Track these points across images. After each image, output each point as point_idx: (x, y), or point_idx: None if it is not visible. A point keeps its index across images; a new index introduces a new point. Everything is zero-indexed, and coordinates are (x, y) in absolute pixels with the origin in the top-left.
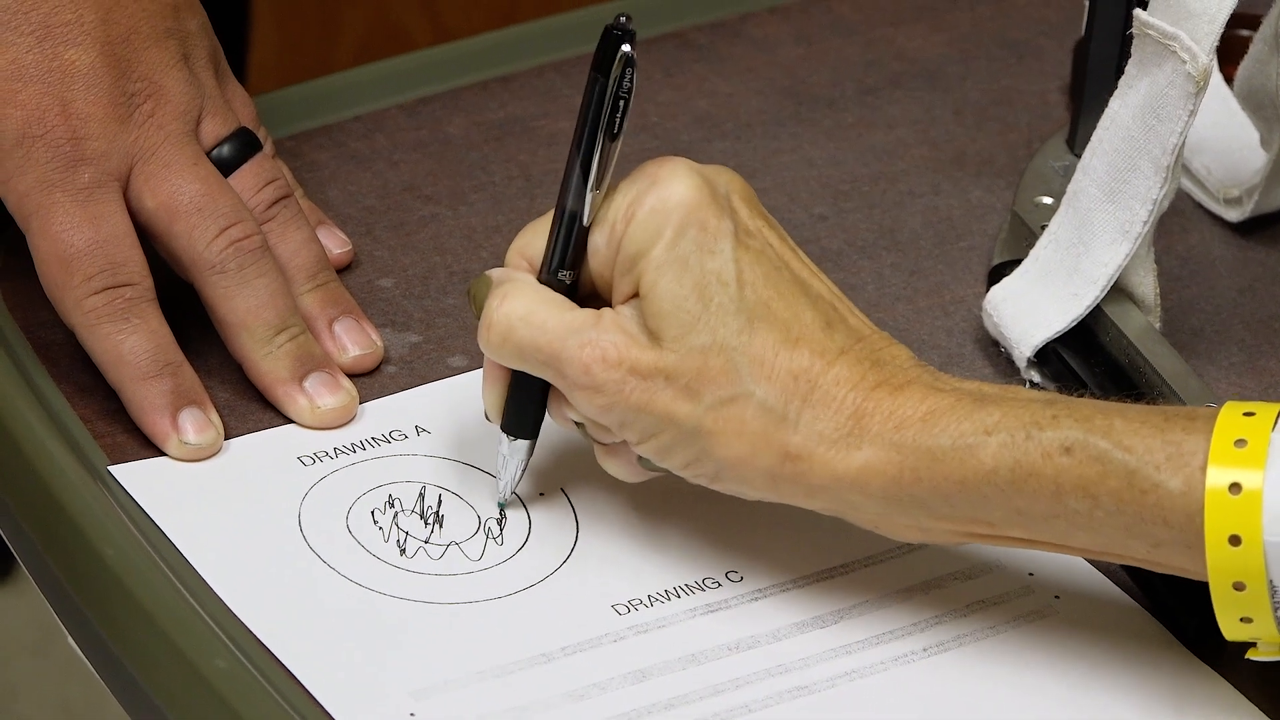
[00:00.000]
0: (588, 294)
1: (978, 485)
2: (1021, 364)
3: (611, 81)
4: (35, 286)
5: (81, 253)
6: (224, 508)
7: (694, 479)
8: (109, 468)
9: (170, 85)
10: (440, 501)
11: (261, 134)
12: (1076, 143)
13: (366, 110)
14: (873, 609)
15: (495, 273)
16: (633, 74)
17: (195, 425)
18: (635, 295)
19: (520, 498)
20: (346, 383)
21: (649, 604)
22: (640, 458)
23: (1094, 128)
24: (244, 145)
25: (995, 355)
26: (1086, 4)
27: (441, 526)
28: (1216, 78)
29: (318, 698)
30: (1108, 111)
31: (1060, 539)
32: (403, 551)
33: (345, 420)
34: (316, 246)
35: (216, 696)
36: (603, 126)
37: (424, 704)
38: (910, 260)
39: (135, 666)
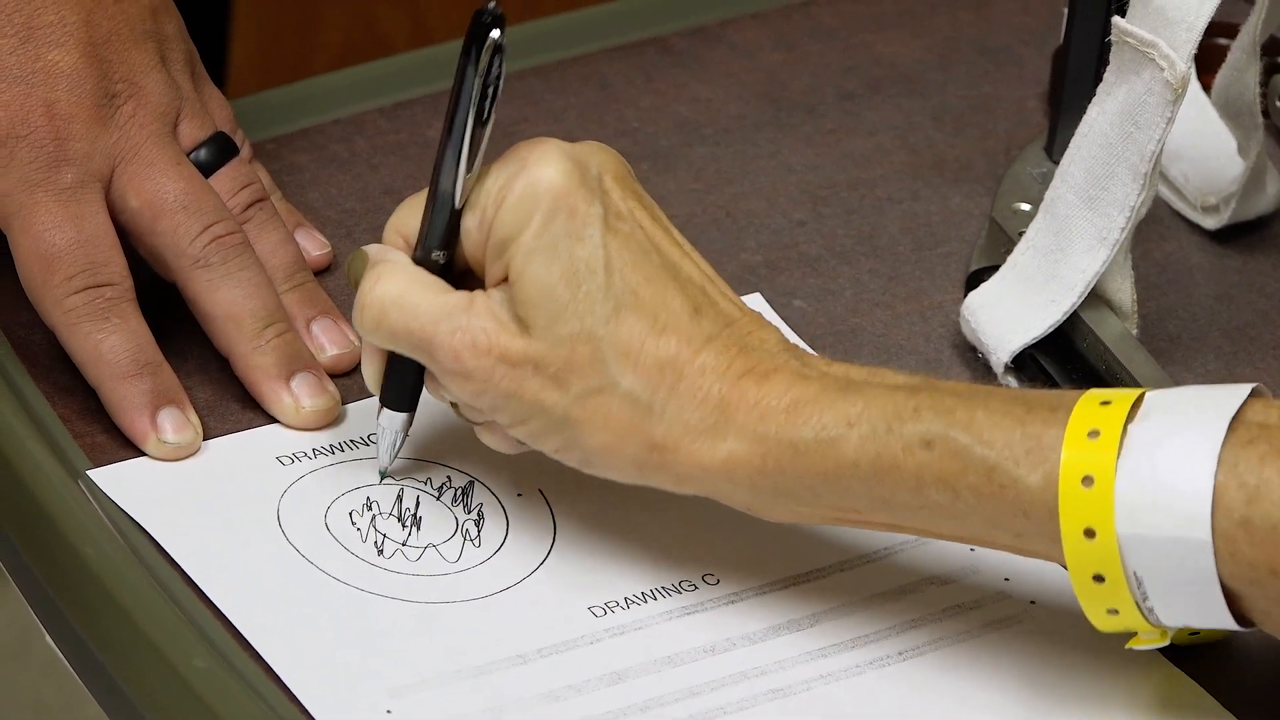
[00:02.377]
0: (462, 270)
1: (840, 477)
2: (999, 369)
3: (480, 68)
4: (15, 287)
5: (63, 252)
6: (203, 507)
7: (566, 463)
8: (88, 471)
9: (150, 86)
10: (418, 503)
11: (239, 138)
12: (1055, 149)
13: (346, 113)
14: (849, 612)
15: (371, 250)
16: (501, 60)
17: (174, 425)
18: (506, 280)
19: (499, 498)
20: (331, 386)
21: (626, 606)
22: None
23: (1072, 135)
24: (221, 149)
25: (973, 361)
26: (1065, 11)
27: (419, 529)
28: (1194, 86)
29: (296, 695)
30: (1086, 118)
31: (925, 526)
32: (380, 553)
33: (327, 422)
34: (293, 247)
35: (195, 696)
36: (472, 113)
37: (401, 702)
38: (888, 266)
39: (114, 666)
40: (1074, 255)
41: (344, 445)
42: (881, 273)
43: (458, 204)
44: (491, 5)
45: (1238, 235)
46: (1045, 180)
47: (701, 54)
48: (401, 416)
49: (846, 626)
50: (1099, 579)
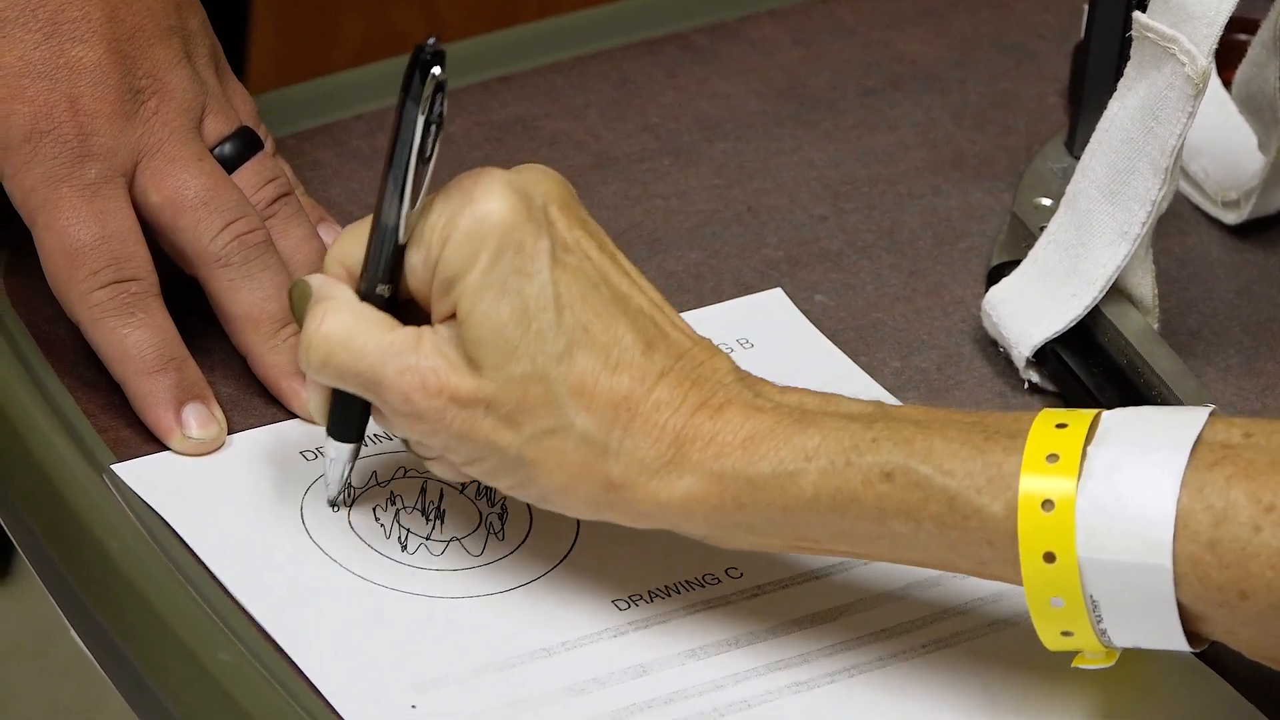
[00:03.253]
0: (405, 301)
1: (799, 511)
2: (1020, 364)
3: (421, 107)
4: (40, 282)
5: (87, 247)
6: (227, 502)
7: (522, 499)
8: (112, 466)
9: (174, 82)
10: (441, 497)
11: (262, 132)
12: (1076, 144)
13: (368, 109)
14: (872, 606)
15: (315, 283)
16: (443, 99)
17: (199, 420)
18: (453, 317)
19: None
20: None
21: (649, 600)
22: None
23: (1093, 130)
24: (246, 144)
25: (994, 355)
26: (1086, 7)
27: (443, 523)
28: (1215, 82)
29: (320, 689)
30: (1107, 113)
31: (886, 555)
32: (404, 548)
33: None
34: (317, 243)
35: (219, 689)
36: (414, 152)
37: (425, 697)
38: (909, 261)
39: (138, 659)
40: (1095, 250)
41: (368, 440)
42: (902, 268)
43: (401, 239)
44: (431, 41)
45: (1258, 230)
46: (1066, 175)
47: (721, 50)
48: (349, 447)
49: (870, 619)
50: (1057, 602)
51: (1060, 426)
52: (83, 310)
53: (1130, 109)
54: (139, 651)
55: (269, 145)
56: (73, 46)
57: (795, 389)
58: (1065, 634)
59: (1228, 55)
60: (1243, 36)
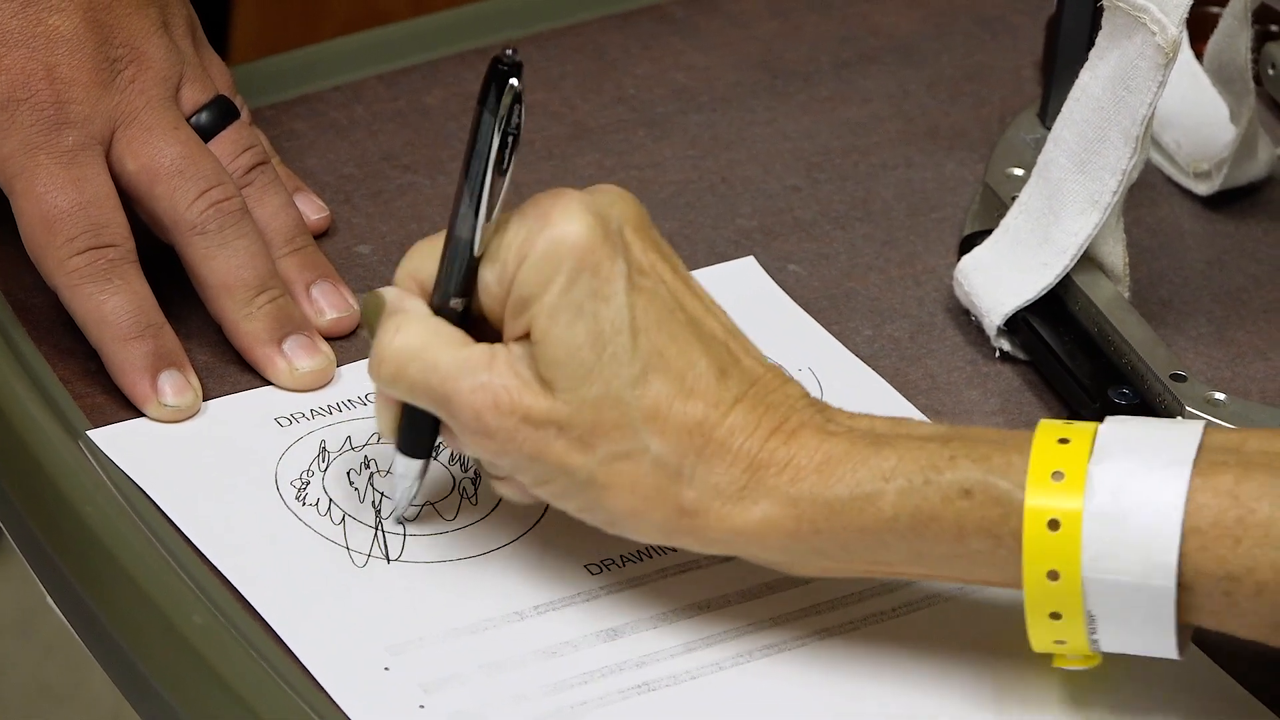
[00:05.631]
0: (477, 318)
1: (878, 533)
2: (991, 332)
3: (500, 118)
4: (17, 250)
5: (65, 214)
6: (202, 468)
7: (589, 522)
8: (88, 432)
9: (151, 51)
10: None
11: (238, 102)
12: (1048, 115)
13: (346, 80)
14: None
15: (388, 296)
16: (521, 110)
17: (174, 387)
18: (526, 336)
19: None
20: (324, 346)
21: (621, 564)
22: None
23: (1065, 99)
24: (222, 112)
25: (966, 324)
26: None
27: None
28: (1187, 54)
29: (294, 652)
30: (1078, 83)
31: (962, 575)
32: (378, 511)
33: (323, 383)
34: (294, 211)
35: (193, 652)
36: (491, 163)
37: (399, 659)
38: (883, 231)
39: (113, 623)
40: (1066, 218)
41: (342, 405)
42: (876, 237)
43: (476, 252)
44: (509, 52)
45: (1229, 201)
46: (1038, 146)
47: (698, 22)
48: (418, 463)
49: (841, 583)
50: (1056, 616)
51: (1063, 442)
52: (60, 276)
53: (1101, 78)
54: (113, 615)
55: (245, 115)
56: (49, 15)
57: (865, 415)
58: (1059, 642)
59: (1200, 27)
60: (1215, 9)
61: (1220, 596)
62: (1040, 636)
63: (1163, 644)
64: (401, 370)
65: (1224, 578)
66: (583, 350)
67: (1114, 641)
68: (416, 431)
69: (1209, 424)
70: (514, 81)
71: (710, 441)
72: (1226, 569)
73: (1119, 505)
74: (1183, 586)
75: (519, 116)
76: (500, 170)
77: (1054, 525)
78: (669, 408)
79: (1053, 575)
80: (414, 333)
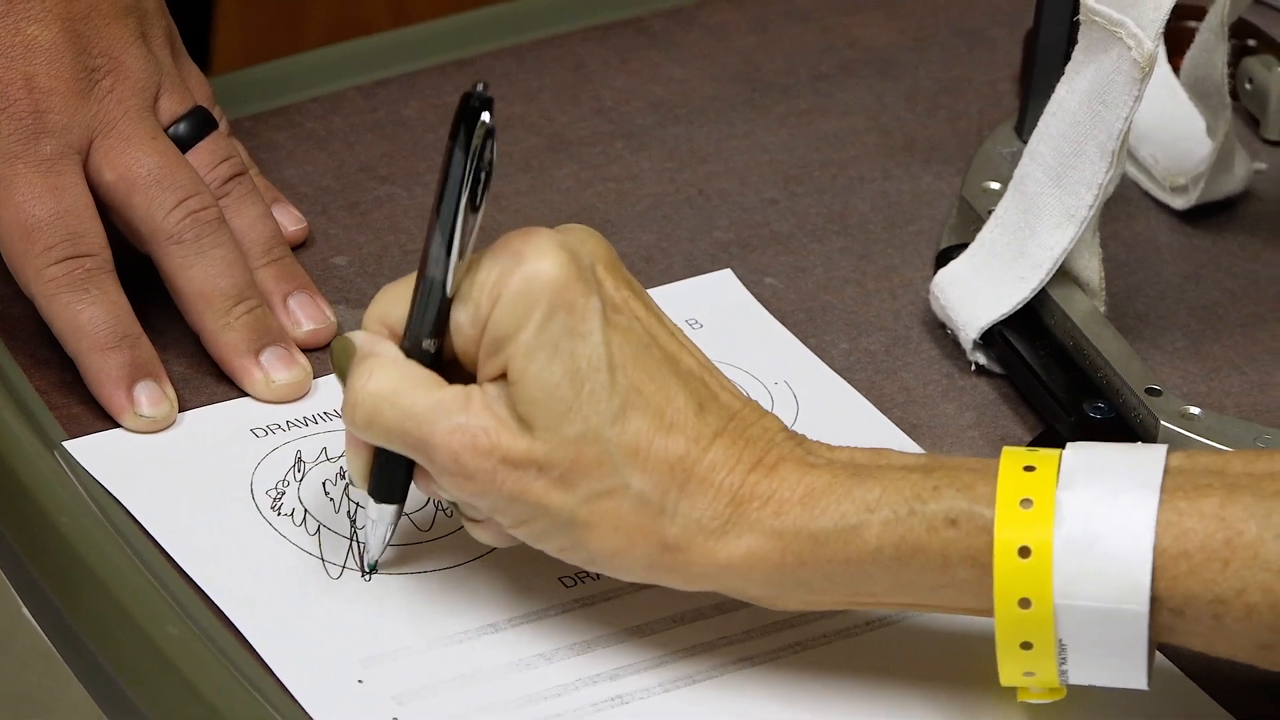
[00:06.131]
0: (450, 360)
1: (862, 564)
2: (967, 346)
3: (471, 154)
4: None
5: (43, 222)
6: (177, 479)
7: (570, 562)
8: (63, 443)
9: (129, 62)
10: None
11: (217, 113)
12: (1025, 129)
13: (324, 92)
14: None
15: (359, 341)
16: (493, 145)
17: (150, 398)
18: (502, 376)
19: None
20: (301, 358)
21: (595, 577)
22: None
23: (1041, 114)
24: (200, 123)
25: (942, 338)
26: None
27: None
28: (1164, 68)
29: (269, 664)
30: (1055, 97)
31: (948, 605)
32: (353, 522)
33: (299, 395)
34: (271, 222)
35: (167, 662)
36: (464, 200)
37: (372, 671)
38: (860, 244)
39: (88, 633)
40: (1042, 232)
41: (317, 417)
42: (852, 250)
43: (449, 292)
44: (479, 88)
45: (1206, 215)
46: (1015, 159)
47: (677, 35)
48: (392, 509)
49: None
50: (1026, 646)
51: (1028, 469)
52: (37, 285)
53: (1078, 93)
54: (89, 626)
55: (223, 126)
56: (28, 25)
57: (844, 447)
58: (1027, 674)
59: (1176, 41)
60: (1191, 23)
61: (1209, 620)
62: (1010, 668)
63: (1132, 673)
64: (376, 415)
65: (1212, 600)
66: (561, 388)
67: (1083, 673)
68: (390, 477)
69: (1172, 448)
70: (485, 117)
71: (692, 477)
72: (1215, 592)
73: (1089, 531)
74: (1171, 610)
75: (491, 153)
76: (473, 207)
77: (1024, 553)
78: (649, 444)
79: (1024, 603)
80: (387, 376)
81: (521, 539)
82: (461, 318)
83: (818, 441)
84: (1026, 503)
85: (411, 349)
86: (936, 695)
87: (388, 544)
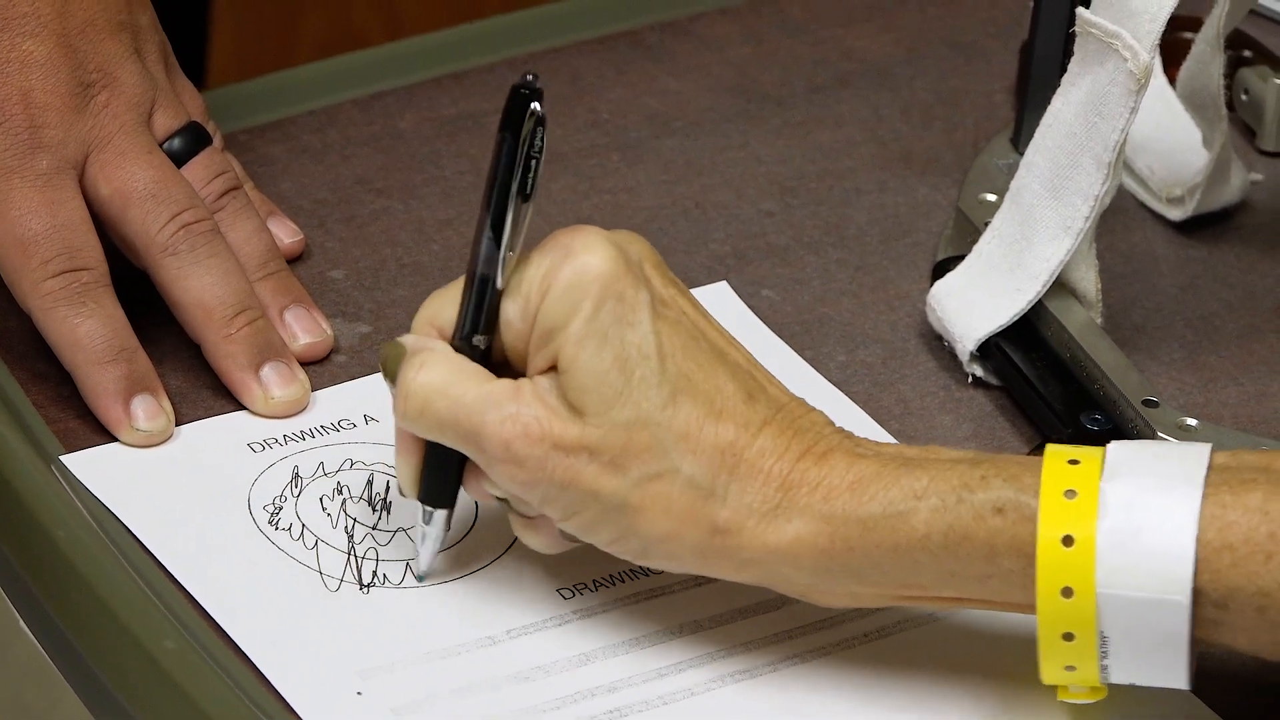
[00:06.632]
0: (499, 361)
1: (910, 551)
2: (964, 358)
3: (522, 141)
4: None
5: (39, 237)
6: (174, 493)
7: (620, 555)
8: (61, 457)
9: (124, 77)
10: (388, 488)
11: (211, 128)
12: (1021, 141)
13: (320, 105)
14: None
15: (409, 340)
16: (543, 133)
17: (147, 412)
18: (552, 368)
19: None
20: (301, 374)
21: (593, 589)
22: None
23: (1038, 125)
24: (194, 138)
25: (939, 349)
26: (1031, 3)
27: (389, 513)
28: (1160, 80)
29: (267, 677)
30: (1051, 109)
31: (993, 597)
32: (350, 537)
33: (297, 410)
34: (266, 236)
35: (165, 676)
36: (514, 188)
37: (370, 683)
38: (856, 256)
39: (86, 647)
40: (1039, 244)
41: (314, 431)
42: (849, 263)
43: (499, 284)
44: (529, 78)
45: (1202, 226)
46: (1011, 171)
47: (672, 47)
48: (443, 512)
49: (814, 608)
50: (1069, 637)
51: (1073, 463)
52: (34, 299)
53: (1073, 104)
54: (86, 640)
55: (217, 140)
56: (23, 40)
57: (891, 444)
58: (1069, 669)
59: (1173, 53)
60: (1188, 35)
61: (1253, 613)
62: (1051, 664)
63: (1174, 670)
64: (427, 406)
65: (1256, 593)
66: (611, 374)
67: (1124, 670)
68: (440, 479)
69: (1216, 446)
70: (535, 106)
71: (741, 462)
72: (1259, 585)
73: (1132, 521)
74: (1214, 604)
75: (541, 140)
76: (524, 196)
77: (1068, 542)
78: (699, 429)
79: (1066, 592)
80: (438, 369)
81: (572, 532)
82: (511, 312)
83: (865, 438)
84: (1071, 493)
85: (462, 346)
86: (974, 694)
87: (439, 552)
